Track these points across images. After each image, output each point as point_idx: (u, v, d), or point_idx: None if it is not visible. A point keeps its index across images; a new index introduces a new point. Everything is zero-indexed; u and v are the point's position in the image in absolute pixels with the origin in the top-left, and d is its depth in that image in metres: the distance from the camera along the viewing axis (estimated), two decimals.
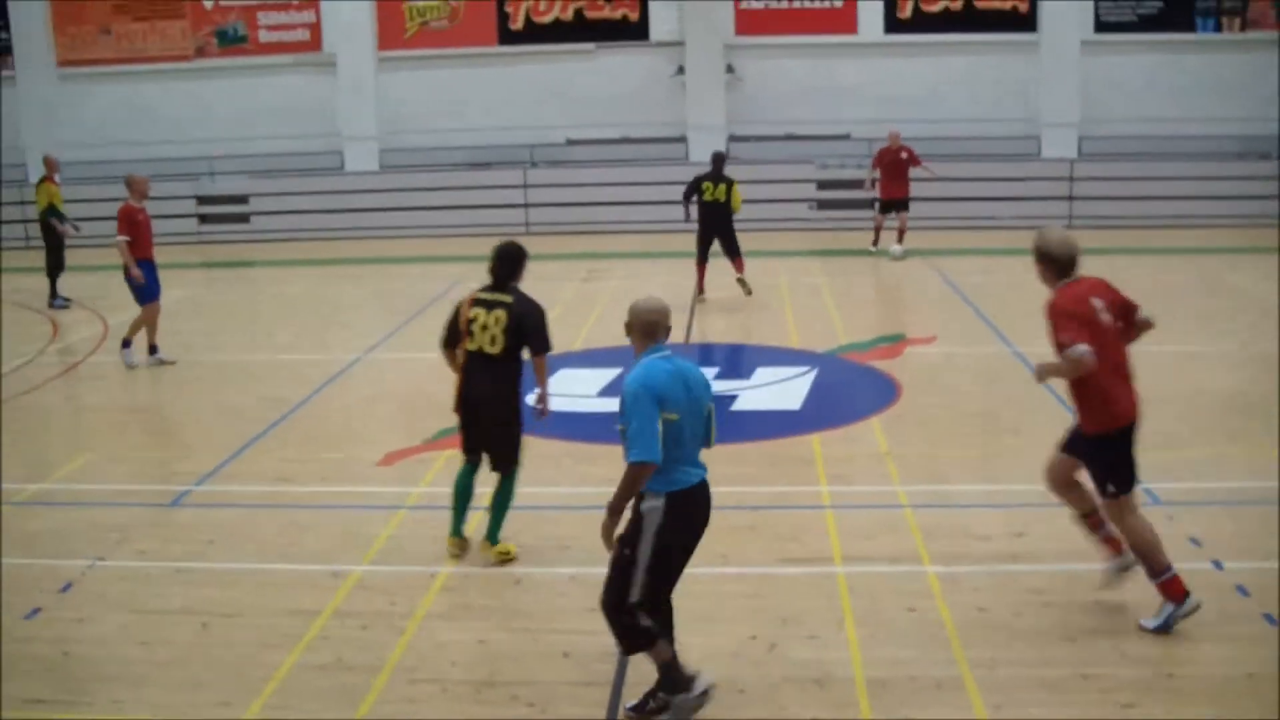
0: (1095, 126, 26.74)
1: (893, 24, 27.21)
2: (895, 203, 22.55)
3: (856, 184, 24.77)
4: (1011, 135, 26.69)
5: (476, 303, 9.13)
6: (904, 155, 22.18)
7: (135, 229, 15.35)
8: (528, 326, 9.04)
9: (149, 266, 15.50)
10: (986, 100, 26.90)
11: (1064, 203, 25.48)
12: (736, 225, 18.64)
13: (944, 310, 18.41)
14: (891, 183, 22.32)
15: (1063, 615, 8.18)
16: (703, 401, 6.84)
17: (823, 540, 9.52)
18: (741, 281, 18.77)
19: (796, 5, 27.12)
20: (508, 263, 9.23)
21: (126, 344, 15.74)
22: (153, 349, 15.83)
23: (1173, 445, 11.76)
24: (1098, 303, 7.98)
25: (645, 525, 6.65)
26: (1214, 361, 15.15)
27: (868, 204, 24.82)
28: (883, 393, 13.53)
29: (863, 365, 14.74)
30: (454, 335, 9.21)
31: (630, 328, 6.98)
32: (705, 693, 6.84)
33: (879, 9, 27.12)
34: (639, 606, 6.71)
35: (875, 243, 22.78)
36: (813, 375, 14.15)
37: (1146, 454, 11.21)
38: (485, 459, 9.26)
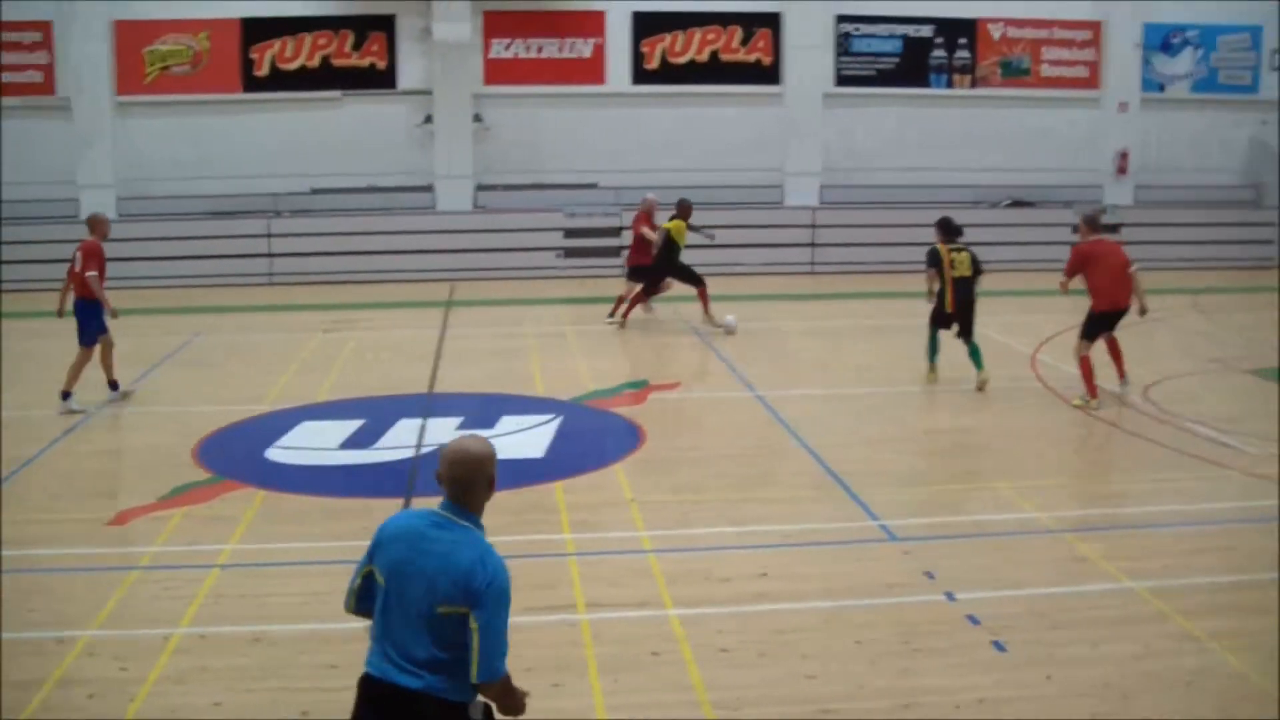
0: (836, 176, 27.52)
1: (640, 75, 27.52)
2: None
3: (604, 232, 24.91)
4: (757, 184, 27.25)
5: None
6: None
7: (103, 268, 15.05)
8: None
9: (95, 307, 14.92)
10: (732, 150, 27.40)
11: (807, 249, 26.11)
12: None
13: (689, 356, 18.59)
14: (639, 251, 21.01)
15: (803, 653, 8.21)
16: (428, 588, 5.06)
17: (567, 588, 9.39)
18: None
19: (545, 56, 27.21)
20: None
21: (66, 395, 14.89)
22: (113, 385, 15.41)
23: (909, 483, 12.07)
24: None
25: None
26: (947, 401, 15.61)
27: (614, 251, 25.00)
28: (627, 439, 13.51)
29: (607, 412, 14.72)
30: None
31: (476, 481, 5.14)
32: None
33: (627, 60, 27.40)
34: None
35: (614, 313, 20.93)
36: (557, 423, 14.05)
37: (884, 491, 11.61)
38: None
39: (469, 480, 5.05)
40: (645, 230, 20.10)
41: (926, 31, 28.25)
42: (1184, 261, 27.34)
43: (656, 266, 19.88)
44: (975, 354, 15.98)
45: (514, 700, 5.04)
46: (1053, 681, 7.86)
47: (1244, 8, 29.58)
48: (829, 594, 9.08)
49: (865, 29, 28.09)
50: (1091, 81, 29.08)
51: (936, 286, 15.88)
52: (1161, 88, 29.55)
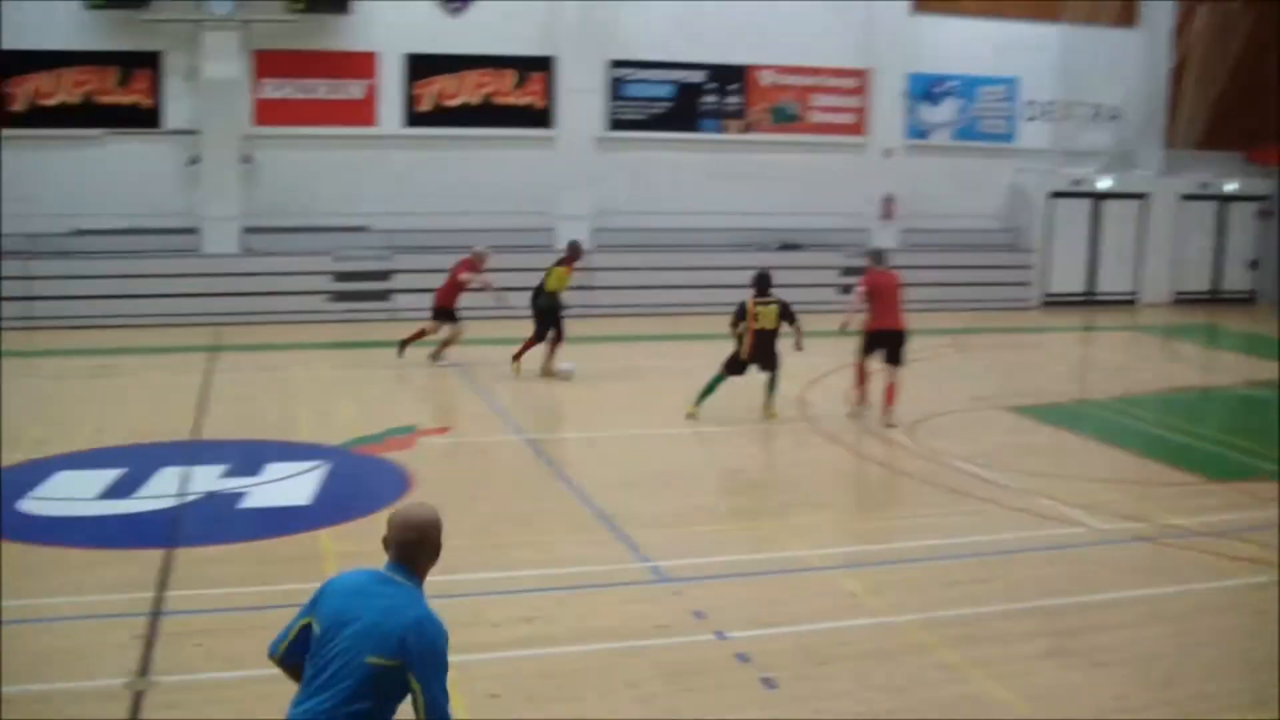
0: (610, 219, 27.62)
1: (413, 118, 27.24)
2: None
3: (374, 275, 24.55)
4: (529, 227, 27.08)
5: None
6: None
7: None
8: None
9: None
10: (504, 194, 27.25)
11: (580, 292, 25.94)
12: None
13: (458, 400, 18.35)
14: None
15: (573, 697, 8.08)
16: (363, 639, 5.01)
17: None
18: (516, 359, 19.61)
19: (317, 97, 26.74)
20: None
21: None
22: None
23: (679, 523, 12.05)
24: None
25: None
26: (716, 441, 15.71)
27: (383, 295, 24.67)
28: (394, 484, 13.22)
29: (375, 457, 14.39)
30: None
31: (421, 546, 5.27)
32: None
33: (399, 102, 27.10)
34: None
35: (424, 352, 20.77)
36: (324, 469, 13.69)
37: (653, 532, 11.58)
38: None
39: (414, 544, 5.17)
40: (465, 276, 19.94)
41: (698, 77, 28.62)
42: (947, 302, 28.21)
43: (541, 313, 19.59)
44: (771, 387, 16.56)
45: None
46: (820, 716, 7.88)
47: (1003, 61, 30.75)
48: (598, 636, 8.98)
49: (638, 74, 28.33)
50: (859, 128, 29.83)
51: (744, 333, 16.32)
52: (925, 135, 30.49)
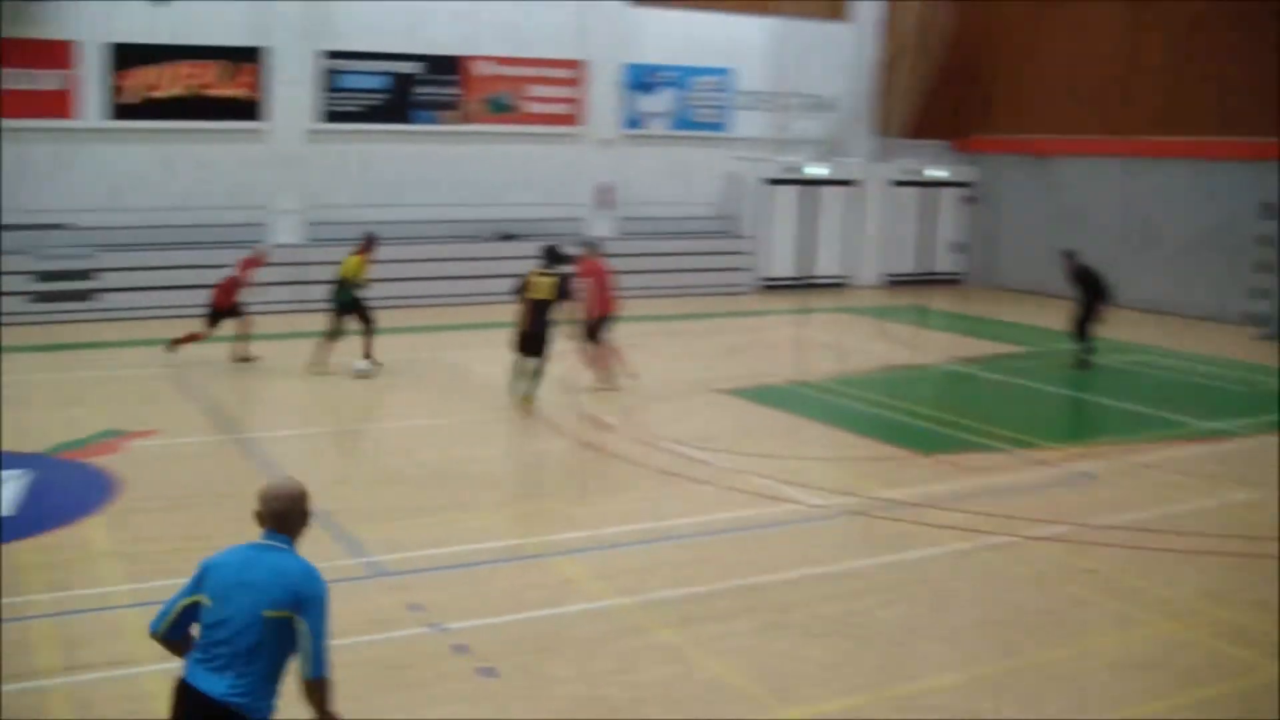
0: (326, 213, 27.04)
1: (118, 110, 26.17)
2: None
3: (76, 275, 23.58)
4: (241, 223, 26.33)
5: None
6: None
7: None
8: None
9: None
10: (215, 188, 26.47)
11: (297, 287, 25.36)
12: None
13: (168, 402, 17.64)
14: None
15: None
16: (256, 600, 5.46)
17: (31, 653, 8.65)
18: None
19: (9, 87, 25.40)
20: None
21: None
22: None
23: (397, 517, 11.90)
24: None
25: None
26: (436, 433, 15.56)
27: (87, 295, 23.76)
28: (99, 490, 12.68)
29: (81, 463, 13.78)
30: None
31: (292, 513, 5.72)
32: None
33: (101, 94, 25.96)
34: None
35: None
36: (27, 477, 13.04)
37: (371, 527, 11.41)
38: None
39: (286, 513, 5.67)
40: (247, 273, 19.68)
41: (414, 68, 28.30)
42: (665, 288, 28.60)
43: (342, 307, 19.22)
44: (535, 376, 16.69)
45: (330, 711, 5.45)
46: (542, 703, 7.88)
47: (717, 52, 31.38)
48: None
49: (352, 65, 27.82)
50: (575, 118, 29.97)
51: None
52: (641, 124, 30.83)
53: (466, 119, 28.87)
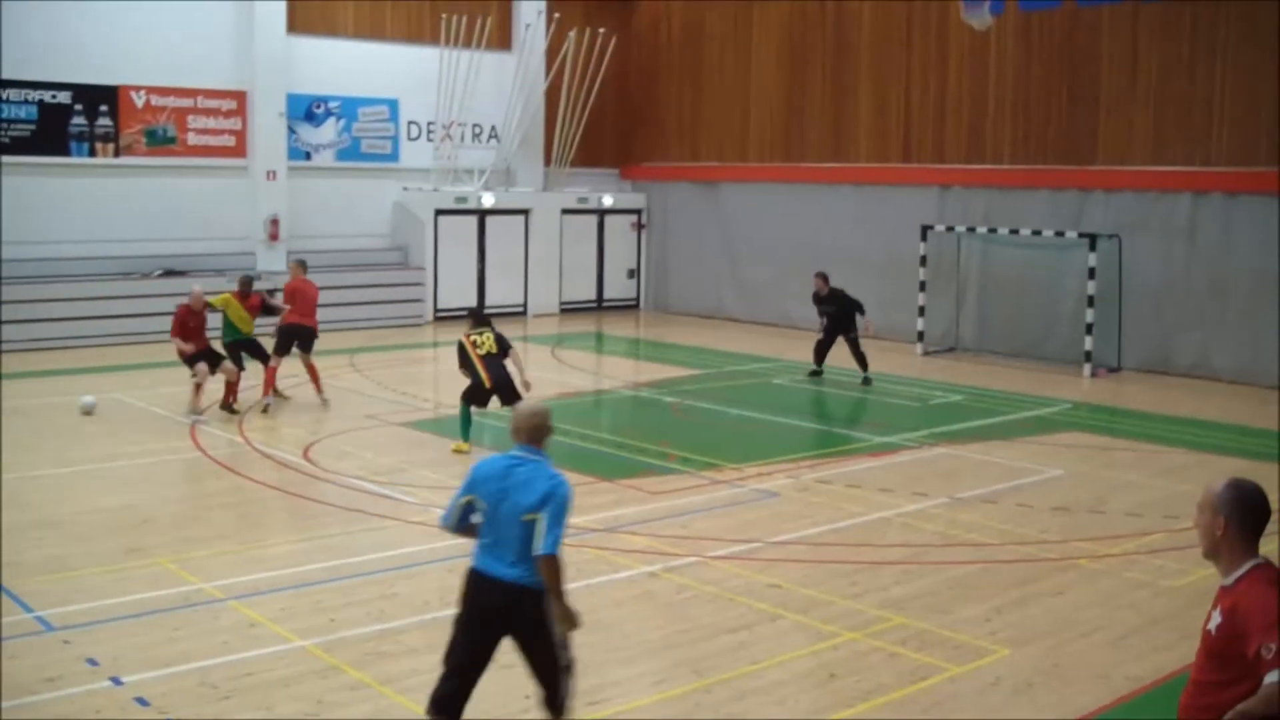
0: None
1: None
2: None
3: None
4: None
5: None
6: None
7: None
8: None
9: None
10: None
11: None
12: None
13: None
14: None
15: None
16: (518, 504, 6.94)
17: None
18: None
19: None
20: None
21: None
22: None
23: (65, 568, 11.34)
24: None
25: None
26: (103, 479, 14.91)
27: None
28: None
29: None
30: None
31: (542, 429, 7.20)
32: None
33: None
34: (444, 664, 7.25)
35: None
36: None
37: (35, 581, 10.85)
38: None
39: (538, 428, 7.14)
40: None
41: (65, 98, 27.08)
42: (341, 322, 27.98)
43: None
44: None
45: (561, 583, 6.90)
46: None
47: (383, 82, 31.20)
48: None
49: None
50: (239, 150, 29.24)
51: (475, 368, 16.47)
52: (309, 156, 30.34)
53: (124, 151, 27.81)
